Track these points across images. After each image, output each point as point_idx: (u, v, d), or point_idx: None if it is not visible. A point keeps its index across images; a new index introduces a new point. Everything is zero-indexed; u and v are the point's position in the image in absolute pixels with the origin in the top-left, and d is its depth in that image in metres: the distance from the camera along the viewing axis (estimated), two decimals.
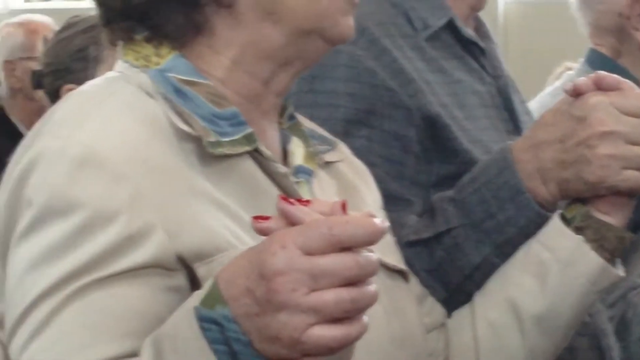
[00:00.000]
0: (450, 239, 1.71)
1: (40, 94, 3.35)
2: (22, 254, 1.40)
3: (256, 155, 1.46)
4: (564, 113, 1.66)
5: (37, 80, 3.31)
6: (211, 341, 1.21)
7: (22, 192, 1.41)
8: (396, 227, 1.62)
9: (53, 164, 1.40)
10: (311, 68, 1.56)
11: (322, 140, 1.61)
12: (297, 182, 1.51)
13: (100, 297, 1.35)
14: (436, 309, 1.70)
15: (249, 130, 1.45)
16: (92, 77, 2.64)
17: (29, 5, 9.42)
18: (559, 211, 1.65)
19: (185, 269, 1.36)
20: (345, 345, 1.17)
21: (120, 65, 1.52)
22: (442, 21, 1.84)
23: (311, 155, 1.57)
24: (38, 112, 3.00)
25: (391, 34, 1.80)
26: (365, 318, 1.18)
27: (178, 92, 1.46)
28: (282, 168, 1.49)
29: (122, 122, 1.43)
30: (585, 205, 1.65)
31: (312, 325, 1.15)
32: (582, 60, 2.77)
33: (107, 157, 1.38)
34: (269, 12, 1.48)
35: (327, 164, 1.60)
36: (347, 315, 1.17)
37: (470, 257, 1.69)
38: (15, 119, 4.04)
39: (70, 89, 2.66)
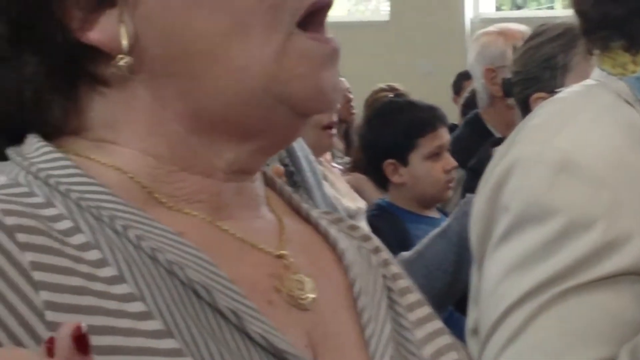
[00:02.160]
0: None
1: (510, 102, 3.41)
2: (498, 260, 1.42)
3: None
4: None
5: (507, 88, 3.36)
6: None
7: (498, 199, 1.43)
8: None
9: (529, 170, 1.41)
10: None
11: None
12: None
13: (577, 303, 1.35)
14: None
15: None
16: (560, 85, 2.79)
17: (500, 14, 9.75)
18: None
19: None
20: None
21: (597, 74, 1.52)
22: None
23: None
24: (513, 122, 3.05)
25: None
26: None
27: None
28: None
29: (602, 128, 1.41)
30: None
31: None
32: None
33: (586, 163, 1.37)
34: None
35: None
36: None
37: None
38: (491, 126, 4.07)
39: (540, 98, 2.90)
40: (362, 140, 3.95)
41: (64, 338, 0.67)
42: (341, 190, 3.46)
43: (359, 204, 3.58)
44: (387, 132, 3.64)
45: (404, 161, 3.61)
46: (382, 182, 3.94)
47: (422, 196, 3.62)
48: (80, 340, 0.68)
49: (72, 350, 0.67)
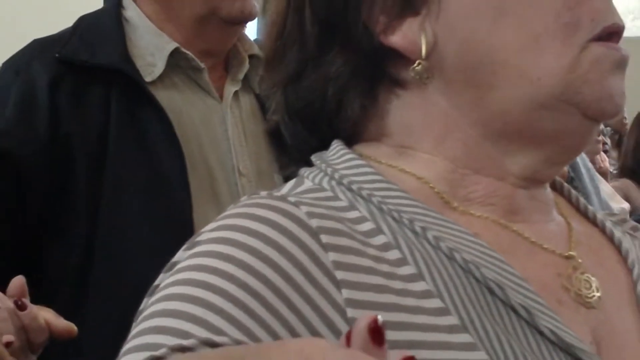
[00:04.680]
0: None
1: None
2: None
3: None
4: None
5: None
6: None
7: None
8: None
9: None
10: None
11: None
12: None
13: None
14: None
15: None
16: None
17: None
18: None
19: None
20: None
21: None
22: None
23: None
24: None
25: None
26: None
27: None
28: None
29: None
30: None
31: None
32: None
33: None
34: None
35: None
36: None
37: None
38: None
39: None
40: (635, 148, 3.90)
41: (360, 329, 0.65)
42: (606, 192, 3.33)
43: (622, 205, 3.50)
44: None
45: None
46: None
47: None
48: (376, 332, 0.64)
49: (367, 341, 0.64)
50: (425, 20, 0.97)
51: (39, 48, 1.90)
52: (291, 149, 1.05)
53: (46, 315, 1.54)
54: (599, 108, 0.97)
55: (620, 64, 0.97)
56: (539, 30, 0.96)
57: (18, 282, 1.53)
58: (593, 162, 3.76)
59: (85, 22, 1.93)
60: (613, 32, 0.97)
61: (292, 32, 1.02)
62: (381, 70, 1.00)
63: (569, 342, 0.91)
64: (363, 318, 0.63)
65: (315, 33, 1.00)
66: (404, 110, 1.00)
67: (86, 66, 1.84)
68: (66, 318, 1.56)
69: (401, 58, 0.98)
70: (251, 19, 1.93)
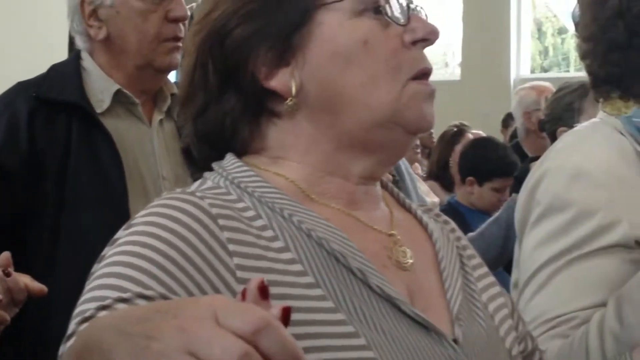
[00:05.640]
0: None
1: (544, 134, 3.40)
2: (532, 237, 1.38)
3: None
4: None
5: (542, 125, 3.39)
6: None
7: (533, 196, 1.40)
8: None
9: (554, 177, 1.38)
10: None
11: None
12: None
13: (582, 266, 1.32)
14: None
15: None
16: (577, 122, 2.77)
17: (533, 75, 9.16)
18: None
19: None
20: None
21: (600, 114, 1.48)
22: None
23: None
24: (543, 147, 3.02)
25: None
26: None
27: None
28: None
29: (602, 150, 1.38)
30: None
31: None
32: None
33: (592, 173, 1.34)
34: None
35: None
36: None
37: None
38: (526, 150, 3.99)
39: (563, 131, 2.83)
40: (462, 159, 3.82)
41: (252, 288, 0.64)
42: (423, 190, 3.34)
43: (434, 199, 3.51)
44: (487, 161, 3.61)
45: (480, 183, 3.63)
46: (448, 187, 4.04)
47: (479, 207, 3.67)
48: (263, 290, 0.64)
49: (257, 297, 0.64)
50: (294, 70, 0.98)
51: (21, 88, 1.89)
52: (198, 160, 1.04)
53: (25, 279, 1.55)
54: (416, 126, 1.00)
55: (430, 96, 1.00)
56: (374, 73, 0.98)
57: (5, 256, 1.53)
58: (413, 167, 3.68)
59: (54, 70, 1.94)
60: (424, 73, 1.00)
61: (199, 80, 1.01)
62: (263, 105, 1.00)
63: (391, 295, 0.94)
64: (253, 280, 0.63)
65: (215, 80, 1.00)
66: (279, 133, 1.01)
67: (55, 102, 1.84)
68: (39, 281, 1.57)
69: (277, 96, 0.99)
70: (175, 69, 1.93)
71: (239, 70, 0.99)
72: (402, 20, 0.99)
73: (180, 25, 1.88)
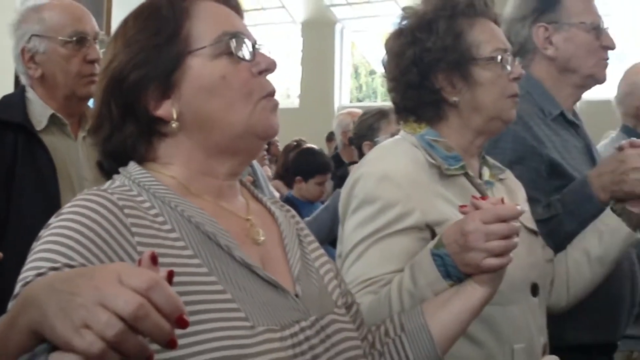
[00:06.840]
0: (557, 219, 1.62)
1: (353, 147, 3.37)
2: (350, 222, 1.36)
3: (467, 175, 1.41)
4: (613, 159, 1.58)
5: (351, 140, 3.42)
6: (437, 265, 1.16)
7: (352, 192, 1.39)
8: (532, 212, 1.58)
9: (366, 179, 1.36)
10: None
11: (498, 168, 1.52)
12: (486, 189, 1.44)
13: (387, 243, 1.30)
14: (549, 251, 1.58)
15: (462, 163, 1.40)
16: (376, 138, 2.90)
17: (352, 104, 9.01)
18: (609, 206, 1.57)
19: (430, 230, 1.32)
20: (502, 267, 1.11)
21: (401, 133, 1.46)
22: (557, 111, 1.77)
23: (492, 175, 1.48)
24: (354, 156, 3.24)
25: (533, 117, 1.72)
26: (511, 255, 1.10)
27: (430, 145, 1.40)
28: (479, 181, 1.43)
29: (402, 159, 1.37)
30: (623, 204, 1.55)
31: (486, 258, 1.09)
32: (617, 130, 2.85)
33: (394, 176, 1.33)
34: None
35: (500, 180, 1.50)
36: (503, 252, 1.09)
37: (566, 228, 1.61)
38: (344, 158, 4.06)
39: (367, 144, 2.98)
40: (292, 163, 3.81)
41: (146, 257, 0.65)
42: (271, 187, 3.33)
43: (276, 194, 3.59)
44: (308, 163, 3.63)
45: (306, 180, 3.62)
46: (290, 185, 3.95)
47: (308, 198, 3.63)
48: (153, 259, 0.65)
49: (149, 263, 0.64)
50: (174, 101, 0.97)
51: None
52: (108, 171, 1.01)
53: None
54: (265, 134, 0.99)
55: (275, 107, 0.99)
56: (231, 100, 0.97)
57: None
58: (264, 170, 3.63)
59: (5, 99, 1.92)
60: (270, 94, 1.00)
61: (105, 114, 0.99)
62: (154, 128, 0.98)
63: (249, 263, 0.94)
64: (146, 252, 0.66)
65: (117, 113, 0.98)
66: (167, 147, 0.99)
67: (5, 122, 1.81)
68: None
69: (164, 121, 0.97)
70: (92, 97, 1.80)
71: (135, 104, 0.97)
72: (249, 57, 0.98)
73: (95, 64, 1.88)
